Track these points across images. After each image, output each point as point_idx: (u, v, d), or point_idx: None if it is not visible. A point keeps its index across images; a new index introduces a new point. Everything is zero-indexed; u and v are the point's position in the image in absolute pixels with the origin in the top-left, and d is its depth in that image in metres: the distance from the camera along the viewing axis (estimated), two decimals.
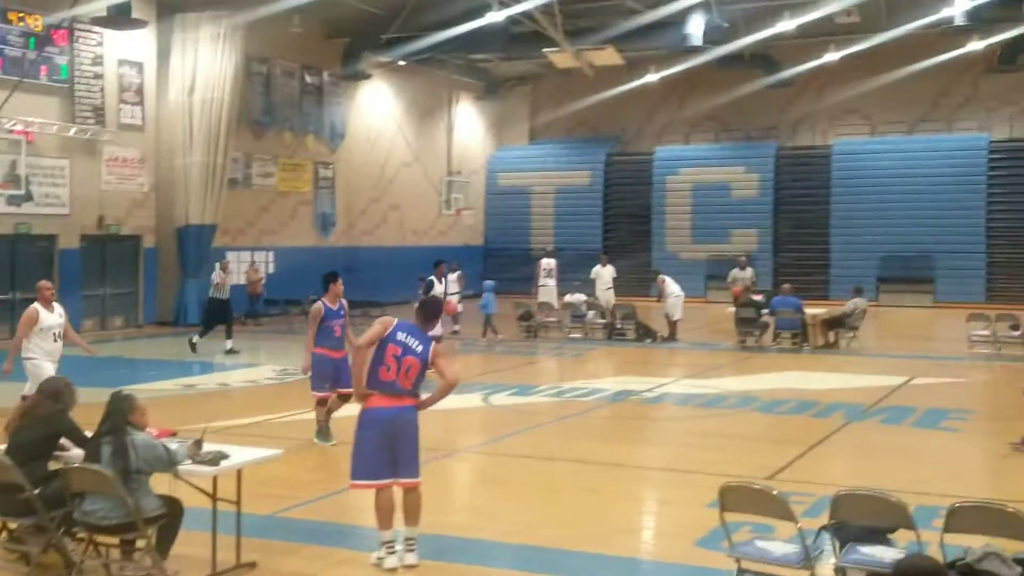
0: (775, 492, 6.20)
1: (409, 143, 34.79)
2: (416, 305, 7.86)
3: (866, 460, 10.92)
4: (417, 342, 7.20)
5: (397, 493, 7.20)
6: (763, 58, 32.56)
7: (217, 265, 21.25)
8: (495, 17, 25.41)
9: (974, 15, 24.32)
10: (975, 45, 28.64)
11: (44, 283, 11.25)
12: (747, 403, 14.37)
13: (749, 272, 24.23)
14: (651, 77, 33.39)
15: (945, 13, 24.73)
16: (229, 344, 19.75)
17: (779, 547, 6.25)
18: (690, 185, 36.26)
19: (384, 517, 7.16)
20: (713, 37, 27.53)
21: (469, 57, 33.62)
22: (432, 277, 17.98)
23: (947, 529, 5.96)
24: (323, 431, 11.19)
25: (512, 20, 26.78)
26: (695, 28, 26.67)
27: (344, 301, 11.43)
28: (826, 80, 34.13)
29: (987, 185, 32.70)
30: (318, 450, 11.01)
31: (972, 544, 5.98)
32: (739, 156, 36.07)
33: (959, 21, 24.55)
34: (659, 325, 22.16)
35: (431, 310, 7.63)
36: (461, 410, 13.28)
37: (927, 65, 29.93)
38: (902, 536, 6.22)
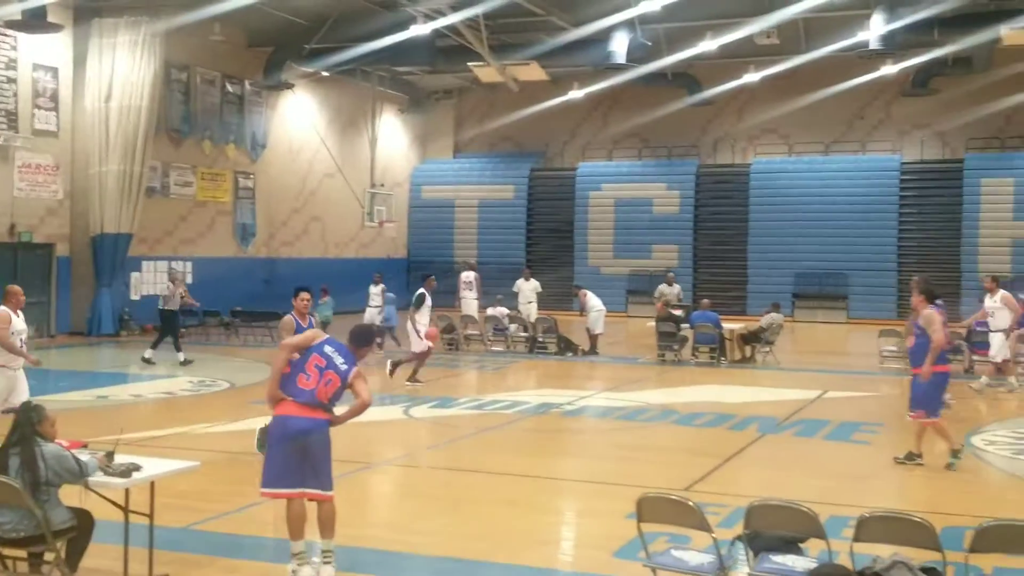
0: (691, 503, 6.27)
1: (332, 154, 34.57)
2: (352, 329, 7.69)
3: (780, 471, 11.11)
4: (343, 360, 7.14)
5: (309, 505, 7.12)
6: (685, 77, 33.07)
7: (167, 276, 20.96)
8: (420, 30, 25.43)
9: (888, 40, 24.97)
10: (889, 69, 29.44)
11: (16, 287, 10.70)
12: (666, 416, 14.53)
13: (676, 288, 24.52)
14: (575, 93, 33.69)
15: (861, 37, 25.34)
16: (181, 356, 19.47)
17: (694, 557, 6.33)
18: (612, 201, 36.63)
19: (295, 528, 7.07)
20: (637, 55, 27.88)
21: (394, 69, 33.56)
22: (423, 290, 17.80)
23: (857, 538, 6.10)
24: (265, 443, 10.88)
25: (437, 33, 26.81)
26: (619, 46, 26.98)
27: (312, 317, 11.05)
28: (746, 100, 34.84)
29: (899, 205, 33.65)
30: (235, 462, 10.85)
31: (881, 553, 6.14)
32: (661, 173, 36.56)
33: (874, 45, 25.17)
34: (581, 339, 22.30)
35: (359, 338, 7.48)
36: (382, 422, 13.22)
37: (843, 88, 30.71)
38: (814, 545, 6.35)
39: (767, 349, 21.26)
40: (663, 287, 24.08)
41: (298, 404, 7.03)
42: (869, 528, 6.11)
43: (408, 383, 16.97)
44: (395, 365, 17.21)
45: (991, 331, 17.47)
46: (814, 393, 16.69)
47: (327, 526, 7.14)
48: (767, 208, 34.76)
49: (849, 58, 28.06)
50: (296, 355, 7.20)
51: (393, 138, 37.98)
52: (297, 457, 7.01)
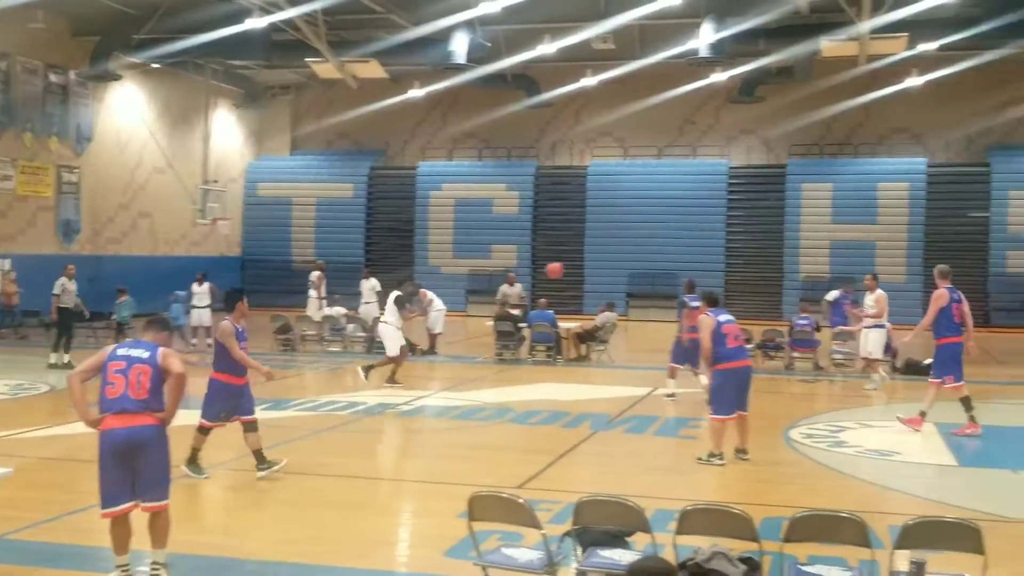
0: (521, 500, 6.34)
1: (162, 148, 33.50)
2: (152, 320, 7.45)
3: (610, 467, 11.36)
4: (142, 350, 6.90)
5: (141, 515, 6.86)
6: (525, 79, 33.45)
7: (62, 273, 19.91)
8: (256, 23, 24.90)
9: (717, 48, 25.87)
10: (718, 77, 30.50)
11: None
12: (502, 414, 14.65)
13: (518, 288, 24.72)
14: (415, 92, 33.64)
15: (691, 45, 26.18)
16: (66, 358, 18.70)
17: (524, 554, 6.40)
18: (453, 200, 36.76)
19: (119, 543, 6.80)
20: (476, 56, 28.04)
21: (228, 63, 32.77)
22: (398, 292, 17.34)
23: (679, 531, 6.28)
24: (195, 462, 10.25)
25: (274, 28, 26.31)
26: (459, 46, 27.09)
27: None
28: (583, 103, 35.50)
29: (727, 207, 34.93)
30: (51, 468, 10.37)
31: (703, 544, 6.34)
32: (500, 173, 36.90)
33: (703, 53, 26.04)
34: (420, 338, 22.26)
35: (155, 324, 7.28)
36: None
37: (676, 93, 31.63)
38: (641, 539, 6.50)
39: (602, 347, 21.69)
40: (505, 287, 24.26)
41: (116, 415, 6.73)
42: (691, 521, 6.30)
43: (387, 384, 16.78)
44: (368, 369, 16.97)
45: (866, 328, 18.16)
46: (645, 390, 17.12)
47: (159, 537, 6.90)
48: (603, 209, 35.53)
49: (681, 65, 28.93)
50: (96, 374, 6.92)
51: (227, 133, 37.08)
52: (124, 470, 6.72)
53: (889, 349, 20.21)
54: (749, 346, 20.46)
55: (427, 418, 15.04)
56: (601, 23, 26.33)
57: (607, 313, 21.90)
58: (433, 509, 9.40)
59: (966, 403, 13.23)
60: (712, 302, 11.72)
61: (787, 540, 6.14)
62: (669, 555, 6.24)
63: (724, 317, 11.39)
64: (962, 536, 5.98)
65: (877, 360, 17.84)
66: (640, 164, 36.35)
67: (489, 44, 28.41)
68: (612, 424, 13.94)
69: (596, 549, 6.39)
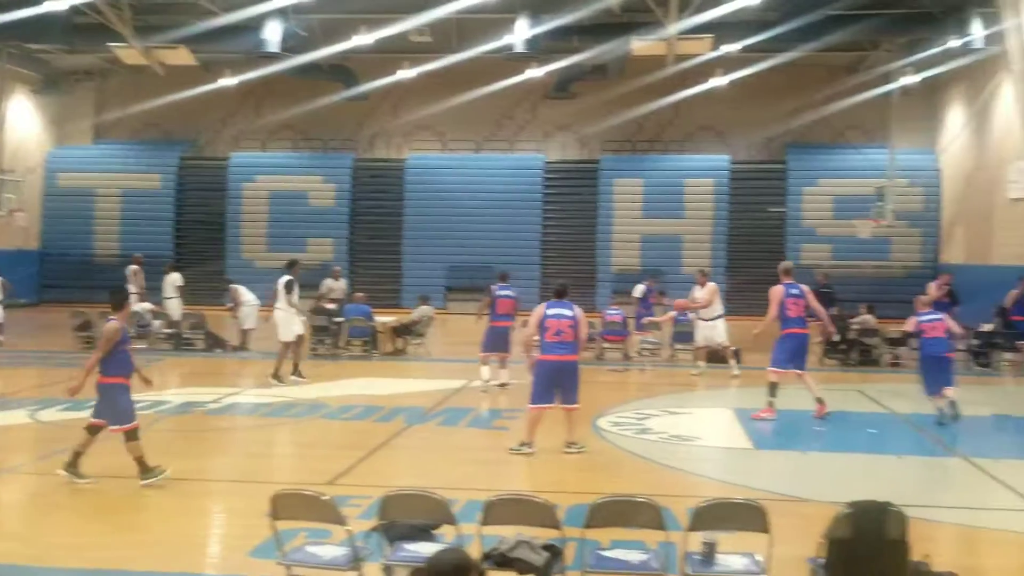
0: (325, 497, 6.31)
1: None
2: None
3: (423, 460, 11.43)
4: None
5: None
6: (341, 70, 33.07)
7: None
8: (55, 5, 23.65)
9: (532, 44, 26.27)
10: (534, 72, 30.91)
11: None
12: (315, 410, 14.49)
13: (343, 283, 24.41)
14: (227, 81, 32.70)
15: (508, 40, 26.48)
16: None
17: (329, 551, 6.37)
18: (267, 193, 36.01)
19: None
20: (291, 45, 27.54)
21: (25, 46, 31.08)
22: (290, 276, 17.08)
23: (485, 522, 6.39)
24: (75, 466, 9.79)
25: (75, 10, 25.12)
26: (272, 34, 26.55)
27: None
28: (401, 95, 35.34)
29: (543, 202, 35.52)
30: None
31: (509, 534, 6.46)
32: (316, 166, 36.38)
33: (519, 49, 26.39)
34: (232, 335, 21.76)
35: None
36: (4, 428, 12.24)
37: (493, 88, 31.81)
38: (449, 531, 6.57)
39: (419, 341, 21.73)
40: (329, 281, 23.98)
41: None
42: (496, 511, 6.42)
43: (293, 377, 16.78)
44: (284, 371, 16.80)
45: (701, 320, 18.73)
46: (461, 383, 17.26)
47: None
48: (422, 203, 35.53)
49: (498, 60, 29.21)
50: None
51: (25, 120, 35.15)
52: None
53: (692, 339, 21.05)
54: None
55: (237, 416, 14.71)
56: (418, 16, 26.29)
57: (423, 307, 21.97)
58: (239, 509, 9.24)
59: (772, 389, 13.94)
60: (558, 294, 11.96)
61: (588, 526, 6.34)
62: (475, 545, 6.34)
63: (553, 311, 11.58)
64: (750, 516, 6.31)
65: (727, 347, 18.56)
66: (458, 158, 36.52)
67: (304, 33, 27.97)
68: (426, 417, 14.00)
69: (402, 543, 6.43)
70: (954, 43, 25.10)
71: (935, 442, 12.75)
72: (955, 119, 31.94)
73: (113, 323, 9.81)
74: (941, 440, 12.56)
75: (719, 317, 18.68)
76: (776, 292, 13.97)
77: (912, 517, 6.38)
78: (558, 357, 11.55)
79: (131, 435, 9.79)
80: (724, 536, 6.55)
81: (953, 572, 6.05)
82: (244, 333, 21.76)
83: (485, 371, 16.42)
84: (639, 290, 22.56)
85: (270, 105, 35.86)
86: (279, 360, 16.99)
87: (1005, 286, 22.89)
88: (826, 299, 25.66)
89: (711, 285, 19.07)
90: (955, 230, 32.78)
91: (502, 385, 16.39)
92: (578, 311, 11.67)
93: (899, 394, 16.50)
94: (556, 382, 11.58)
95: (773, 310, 13.96)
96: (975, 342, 20.72)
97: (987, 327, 21.57)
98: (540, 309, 11.58)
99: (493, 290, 16.92)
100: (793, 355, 13.97)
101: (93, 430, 9.89)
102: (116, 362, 9.77)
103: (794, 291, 14.02)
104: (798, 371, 14.09)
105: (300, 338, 16.98)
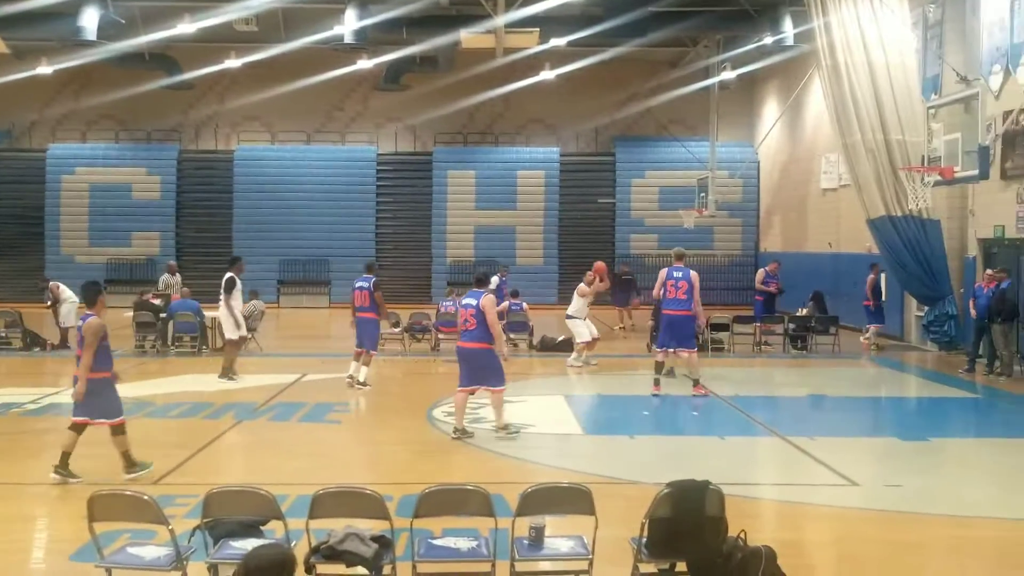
0: (145, 497, 6.14)
1: None
2: None
3: (253, 457, 11.25)
4: None
5: None
6: (164, 59, 32.06)
7: None
8: None
9: (360, 35, 26.03)
10: (364, 63, 30.66)
11: None
12: (140, 408, 14.00)
13: (178, 278, 23.61)
14: (43, 69, 31.14)
15: (336, 31, 26.17)
16: None
17: (151, 551, 6.22)
18: (87, 185, 34.70)
19: None
20: (109, 32, 26.49)
21: None
22: (231, 273, 16.50)
23: (313, 515, 6.34)
24: (66, 467, 9.72)
25: None
26: (89, 21, 25.45)
27: None
28: (228, 85, 34.54)
29: (376, 194, 35.35)
30: None
31: (338, 527, 6.43)
32: (140, 157, 35.23)
33: (348, 40, 26.11)
34: (52, 333, 20.86)
35: None
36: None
37: (323, 79, 31.37)
38: (279, 527, 6.49)
39: (249, 336, 21.26)
40: (167, 277, 23.22)
41: None
42: (325, 504, 6.39)
43: (222, 379, 16.11)
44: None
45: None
46: (293, 377, 17.04)
47: None
48: (251, 195, 34.85)
49: (327, 50, 28.88)
50: None
51: None
52: None
53: (527, 328, 21.40)
54: (396, 330, 21.21)
55: (58, 417, 14.03)
56: (242, 4, 25.68)
57: (254, 301, 21.54)
58: (59, 512, 8.91)
59: (658, 367, 15.11)
60: (478, 282, 12.40)
61: (418, 516, 6.38)
62: (304, 539, 6.29)
63: (464, 301, 12.09)
64: (576, 499, 6.47)
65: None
66: (289, 149, 35.95)
67: (123, 20, 26.92)
68: (257, 413, 13.77)
69: (228, 540, 6.33)
70: (768, 40, 26.21)
71: (755, 423, 13.33)
72: (771, 113, 33.39)
73: (95, 320, 9.76)
74: (761, 421, 13.13)
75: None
76: (660, 274, 15.05)
77: (732, 495, 6.68)
78: (461, 344, 12.05)
79: (118, 430, 9.87)
80: (552, 520, 6.70)
81: (768, 546, 6.35)
82: (64, 331, 20.87)
83: (352, 365, 16.24)
84: (493, 281, 22.73)
85: (90, 95, 34.45)
86: (229, 357, 16.61)
87: (819, 273, 24.17)
88: (628, 286, 26.52)
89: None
90: (773, 219, 34.31)
91: (350, 379, 16.01)
92: (483, 300, 11.84)
93: (721, 377, 17.17)
94: (466, 366, 11.98)
95: (657, 290, 15.05)
96: (792, 326, 21.74)
97: (803, 311, 22.69)
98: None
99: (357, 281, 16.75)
100: (673, 335, 14.73)
101: (79, 428, 9.85)
102: (100, 357, 9.79)
103: (676, 274, 14.73)
104: (679, 350, 14.99)
105: (241, 338, 16.75)
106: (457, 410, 12.06)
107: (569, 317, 19.00)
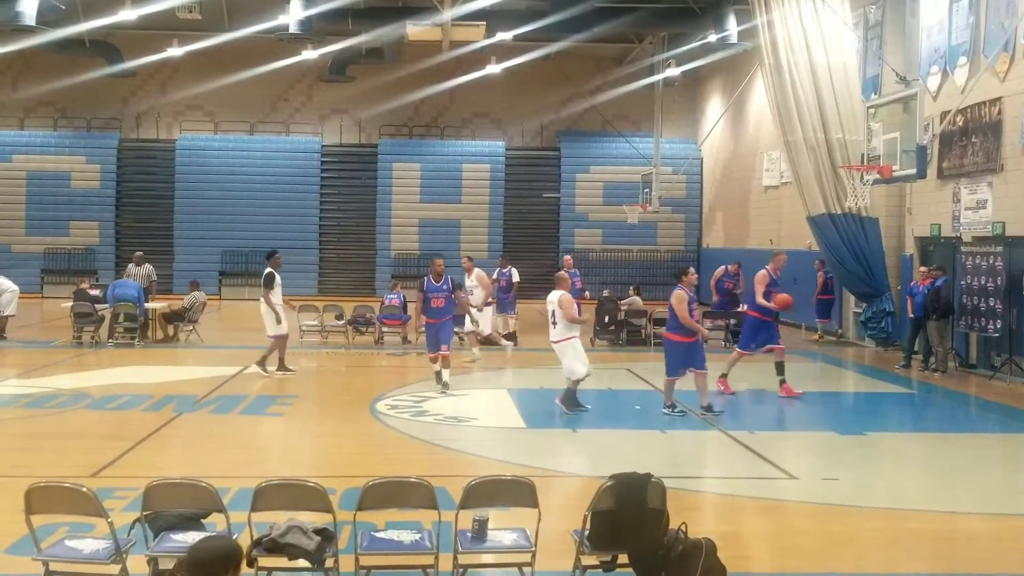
0: (84, 489, 6.06)
1: None
2: None
3: (195, 449, 11.14)
4: None
5: None
6: (105, 46, 31.58)
7: None
8: None
9: (306, 25, 25.85)
10: (309, 54, 30.45)
11: None
12: (78, 400, 13.84)
13: (147, 268, 23.06)
14: None
15: (282, 20, 25.93)
16: None
17: (90, 544, 6.14)
18: (24, 173, 34.10)
19: None
20: (49, 18, 26.01)
21: None
22: (270, 269, 16.46)
23: (255, 508, 6.29)
24: None
25: None
26: (28, 6, 24.95)
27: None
28: (170, 74, 34.14)
29: (320, 186, 35.12)
30: None
31: (281, 519, 6.39)
32: (80, 145, 34.69)
33: (293, 29, 25.91)
34: None
35: None
36: None
37: (267, 69, 31.09)
38: (220, 520, 6.43)
39: (190, 328, 21.08)
40: (130, 267, 22.82)
41: None
42: (267, 497, 6.34)
43: (278, 372, 16.08)
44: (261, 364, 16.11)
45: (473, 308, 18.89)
46: (235, 369, 16.88)
47: None
48: (193, 185, 34.46)
49: (272, 40, 28.62)
50: None
51: None
52: None
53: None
54: (340, 322, 21.13)
55: None
56: None
57: (195, 292, 21.33)
58: None
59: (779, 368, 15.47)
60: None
61: (361, 508, 6.36)
62: (246, 532, 6.25)
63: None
64: (519, 492, 6.50)
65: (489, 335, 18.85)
66: (232, 139, 35.56)
67: (63, 6, 26.45)
68: (198, 405, 13.62)
69: (169, 533, 6.27)
70: (713, 38, 26.46)
71: (697, 417, 13.48)
72: (714, 111, 33.72)
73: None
74: (704, 416, 13.29)
75: (476, 306, 18.96)
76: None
77: (673, 488, 6.75)
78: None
79: None
80: (495, 512, 6.72)
81: (708, 538, 6.43)
82: (3, 320, 20.49)
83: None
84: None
85: (28, 81, 33.85)
86: (279, 352, 16.54)
87: (760, 268, 24.42)
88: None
89: (477, 271, 19.49)
90: (715, 215, 34.65)
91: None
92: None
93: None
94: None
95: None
96: (733, 322, 21.96)
97: (744, 308, 22.93)
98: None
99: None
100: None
101: None
102: None
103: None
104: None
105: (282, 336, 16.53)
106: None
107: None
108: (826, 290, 22.82)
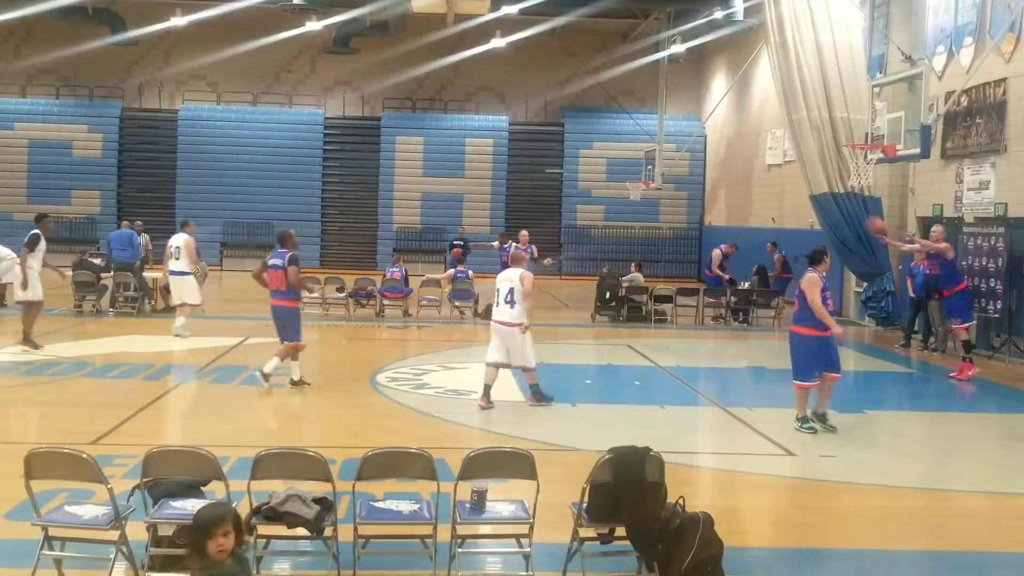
0: (84, 455, 6.07)
1: None
2: None
3: (194, 418, 11.18)
4: None
5: None
6: (108, 14, 31.46)
7: None
8: None
9: None
10: (313, 25, 30.29)
11: None
12: (78, 368, 13.87)
13: (145, 238, 22.87)
14: None
15: None
16: None
17: (90, 510, 6.16)
18: (26, 141, 34.01)
19: None
20: None
21: None
22: (38, 231, 15.72)
23: (255, 476, 6.31)
24: None
25: None
26: None
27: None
28: (173, 44, 33.99)
29: (323, 158, 35.05)
30: None
31: (280, 488, 6.42)
32: (82, 114, 34.57)
33: (298, 0, 25.76)
34: None
35: None
36: None
37: (271, 40, 30.95)
38: (219, 488, 6.45)
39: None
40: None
41: None
42: (266, 465, 6.35)
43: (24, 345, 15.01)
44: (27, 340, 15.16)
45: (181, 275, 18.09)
46: (236, 340, 16.90)
47: None
48: (196, 156, 34.39)
49: (276, 11, 28.51)
50: None
51: None
52: None
53: (473, 295, 21.38)
54: (341, 295, 21.15)
55: None
56: None
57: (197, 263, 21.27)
58: None
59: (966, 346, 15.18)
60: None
61: (360, 478, 6.38)
62: (245, 500, 6.27)
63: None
64: (518, 464, 6.51)
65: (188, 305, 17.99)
66: (235, 110, 35.46)
67: None
68: (199, 375, 13.65)
69: (168, 500, 6.29)
70: (719, 15, 26.32)
71: (696, 393, 13.50)
72: (719, 88, 33.58)
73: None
74: (701, 391, 13.31)
75: (183, 274, 17.91)
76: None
77: (671, 463, 6.77)
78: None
79: None
80: (494, 484, 6.74)
81: (706, 512, 6.45)
82: (2, 288, 20.49)
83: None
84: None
85: (29, 48, 33.71)
86: (29, 321, 15.55)
87: (762, 247, 24.43)
88: (463, 251, 25.81)
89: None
90: (718, 193, 34.58)
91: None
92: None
93: (664, 348, 17.35)
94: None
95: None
96: (734, 299, 21.98)
97: (745, 285, 22.95)
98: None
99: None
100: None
101: None
102: None
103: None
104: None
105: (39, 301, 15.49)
106: None
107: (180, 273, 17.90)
108: (785, 269, 22.86)
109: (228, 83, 35.37)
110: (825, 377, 11.05)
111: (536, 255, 20.82)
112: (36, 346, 15.16)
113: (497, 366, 11.97)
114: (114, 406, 11.47)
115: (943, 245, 15.78)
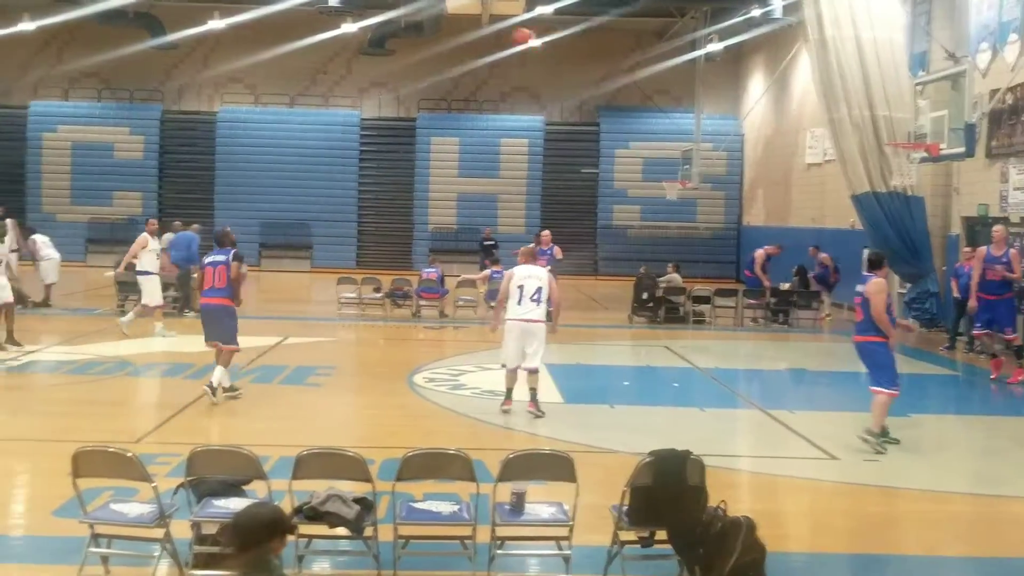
0: (129, 454, 6.13)
1: None
2: None
3: (236, 417, 11.24)
4: None
5: None
6: (148, 18, 31.78)
7: None
8: None
9: None
10: (349, 27, 30.40)
11: None
12: (120, 368, 14.02)
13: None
14: (26, 25, 30.69)
15: None
16: None
17: (135, 508, 6.22)
18: (69, 144, 34.47)
19: None
20: None
21: None
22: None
23: (296, 476, 6.34)
24: None
25: None
26: None
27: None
28: (212, 46, 34.25)
29: (359, 159, 35.20)
30: None
31: (320, 488, 6.44)
32: (123, 116, 34.97)
33: (334, 2, 25.90)
34: (34, 290, 20.74)
35: None
36: None
37: (307, 42, 31.05)
38: (260, 487, 6.49)
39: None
40: (168, 235, 22.72)
41: None
42: (307, 465, 6.39)
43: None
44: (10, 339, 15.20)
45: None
46: (275, 340, 17.01)
47: None
48: (234, 157, 34.66)
49: (312, 13, 28.65)
50: None
51: None
52: None
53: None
54: (378, 295, 21.22)
55: (37, 374, 14.06)
56: None
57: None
58: (42, 468, 8.87)
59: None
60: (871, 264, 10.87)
61: (400, 479, 6.39)
62: (288, 500, 6.30)
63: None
64: (557, 466, 6.49)
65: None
66: (272, 112, 35.71)
67: None
68: (240, 374, 13.71)
69: (211, 499, 6.34)
70: (756, 12, 26.14)
71: (736, 395, 13.42)
72: (756, 86, 33.36)
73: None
74: (742, 393, 13.22)
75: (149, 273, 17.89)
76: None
77: (712, 466, 6.72)
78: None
79: None
80: (533, 486, 6.73)
81: (748, 516, 6.40)
82: (47, 288, 20.77)
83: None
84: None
85: (73, 53, 34.09)
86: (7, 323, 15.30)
87: (802, 248, 24.23)
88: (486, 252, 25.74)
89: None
90: (756, 193, 34.35)
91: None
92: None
93: (703, 350, 17.25)
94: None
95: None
96: (773, 300, 21.82)
97: (785, 286, 22.76)
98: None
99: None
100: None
101: None
102: None
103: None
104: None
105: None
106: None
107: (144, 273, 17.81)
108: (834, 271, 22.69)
109: (265, 85, 35.62)
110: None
111: (560, 256, 20.53)
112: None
113: (515, 370, 11.71)
114: (156, 405, 11.61)
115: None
